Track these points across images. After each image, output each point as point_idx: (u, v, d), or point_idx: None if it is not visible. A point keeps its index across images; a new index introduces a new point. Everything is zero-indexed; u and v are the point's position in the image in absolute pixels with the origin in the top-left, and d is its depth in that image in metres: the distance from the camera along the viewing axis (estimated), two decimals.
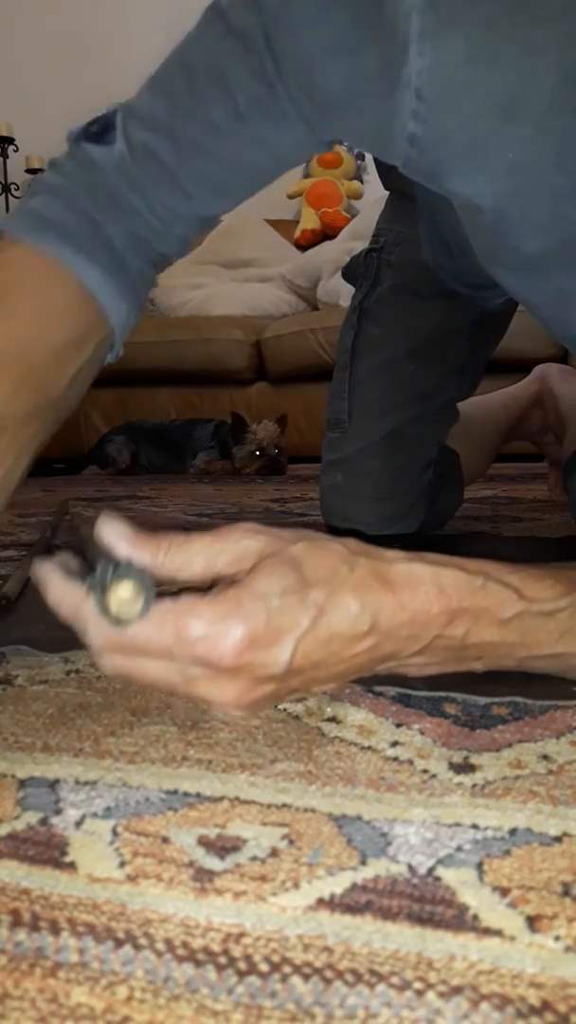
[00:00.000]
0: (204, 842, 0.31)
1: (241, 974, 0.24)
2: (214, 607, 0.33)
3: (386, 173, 0.95)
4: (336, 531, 0.96)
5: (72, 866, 0.29)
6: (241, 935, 0.26)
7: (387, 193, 1.00)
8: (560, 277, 0.51)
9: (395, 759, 0.38)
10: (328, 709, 0.43)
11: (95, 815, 0.33)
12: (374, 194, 3.12)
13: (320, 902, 0.27)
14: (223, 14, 0.51)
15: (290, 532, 0.37)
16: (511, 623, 0.38)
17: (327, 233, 3.20)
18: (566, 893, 0.27)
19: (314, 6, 0.46)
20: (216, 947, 0.25)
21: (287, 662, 0.34)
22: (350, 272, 1.01)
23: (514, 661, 0.40)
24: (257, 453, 2.33)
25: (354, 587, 0.35)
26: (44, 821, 0.32)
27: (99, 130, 0.55)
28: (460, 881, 0.28)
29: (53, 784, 0.35)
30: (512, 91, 0.43)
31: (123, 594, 0.33)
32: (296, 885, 0.28)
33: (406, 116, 0.45)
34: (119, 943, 0.25)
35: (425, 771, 0.36)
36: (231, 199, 0.58)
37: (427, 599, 0.37)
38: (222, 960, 0.25)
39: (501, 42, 0.42)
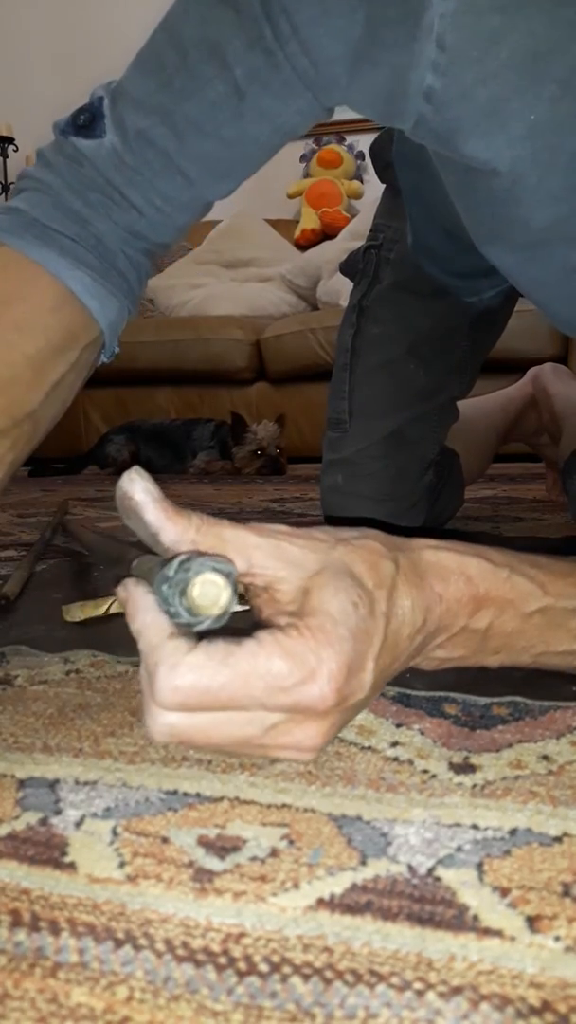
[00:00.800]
0: (204, 842, 0.31)
1: (241, 974, 0.24)
2: (304, 642, 0.29)
3: (383, 168, 0.94)
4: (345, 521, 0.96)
5: (72, 866, 0.29)
6: (241, 935, 0.26)
7: None
8: (566, 250, 0.49)
9: (395, 759, 0.38)
10: None
11: (95, 815, 0.33)
12: (374, 194, 3.11)
13: (320, 902, 0.27)
14: None
15: (319, 531, 0.35)
16: (533, 617, 0.38)
17: (327, 233, 3.20)
18: (566, 893, 0.27)
19: None
20: (216, 947, 0.25)
21: (371, 683, 0.32)
22: (348, 267, 1.00)
23: (530, 657, 0.40)
24: (258, 453, 2.32)
25: (404, 585, 0.34)
26: (44, 821, 0.32)
27: (87, 122, 0.52)
28: (460, 881, 0.28)
29: (53, 784, 0.35)
30: (540, 45, 0.41)
31: (205, 591, 0.28)
32: (296, 885, 0.28)
33: (424, 68, 0.43)
34: (119, 943, 0.25)
35: (425, 771, 0.36)
36: (234, 180, 0.55)
37: (457, 588, 0.36)
38: (222, 960, 0.25)
39: None
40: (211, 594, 0.28)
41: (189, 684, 0.28)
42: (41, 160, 0.55)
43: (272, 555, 0.32)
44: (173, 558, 0.29)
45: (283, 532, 0.33)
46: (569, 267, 0.50)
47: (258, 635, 0.29)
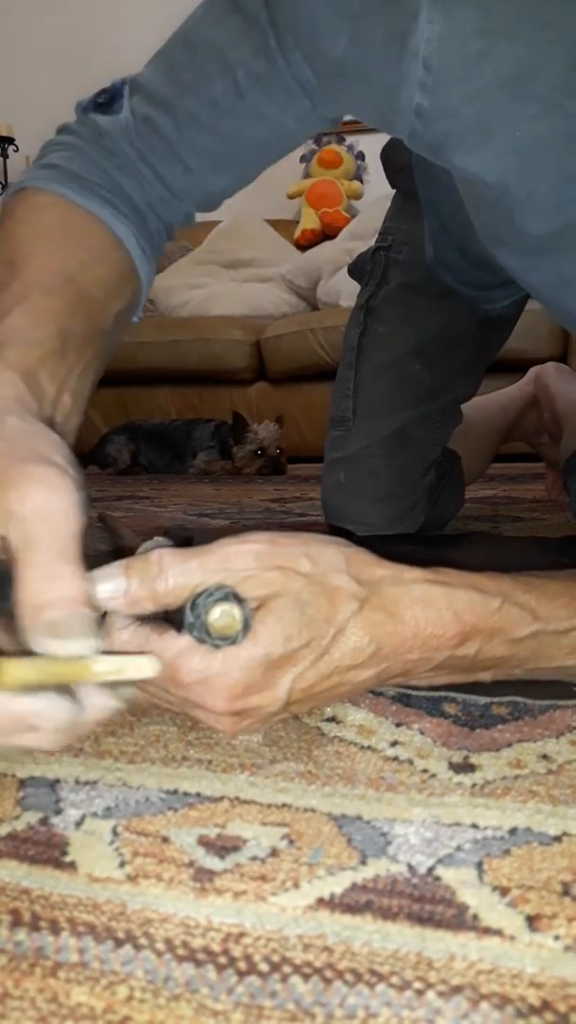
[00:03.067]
0: (204, 842, 0.31)
1: (241, 974, 0.24)
2: (224, 654, 0.33)
3: (394, 173, 0.95)
4: (344, 533, 0.96)
5: (72, 866, 0.30)
6: (241, 935, 0.26)
7: (388, 194, 1.01)
8: (562, 262, 0.50)
9: (395, 759, 0.38)
10: (328, 709, 0.43)
11: (95, 815, 0.33)
12: (374, 194, 3.12)
13: (320, 902, 0.27)
14: None
15: (300, 552, 0.36)
16: (524, 641, 0.39)
17: (327, 233, 3.20)
18: (566, 892, 0.28)
19: None
20: (216, 947, 0.25)
21: (284, 699, 0.35)
22: (356, 269, 1.01)
23: (523, 671, 0.41)
24: (258, 453, 2.32)
25: (360, 624, 0.36)
26: (44, 821, 0.32)
27: (107, 100, 0.56)
28: (460, 881, 0.28)
29: (53, 784, 0.35)
30: (522, 66, 0.42)
31: (222, 620, 0.33)
32: (296, 885, 0.28)
33: (413, 87, 0.45)
34: (119, 943, 0.26)
35: (425, 771, 0.36)
36: (232, 175, 0.58)
37: (440, 623, 0.37)
38: (222, 960, 0.25)
39: (514, 15, 0.41)
40: (226, 619, 0.33)
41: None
42: (64, 132, 0.58)
43: (236, 581, 0.35)
44: (183, 605, 0.34)
45: (262, 554, 0.35)
46: (564, 278, 0.51)
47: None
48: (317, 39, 0.47)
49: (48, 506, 0.31)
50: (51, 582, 0.30)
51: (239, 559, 0.35)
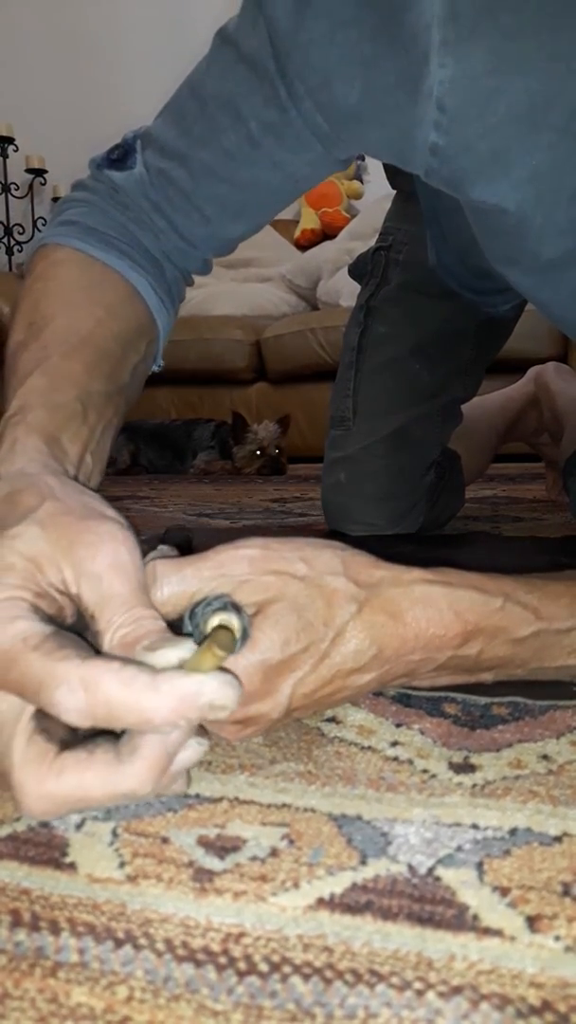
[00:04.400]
0: (204, 842, 0.31)
1: (241, 974, 0.24)
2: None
3: (393, 174, 0.95)
4: (340, 536, 0.96)
5: (72, 866, 0.29)
6: (241, 935, 0.26)
7: (388, 194, 1.01)
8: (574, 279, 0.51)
9: (395, 759, 0.38)
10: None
11: (95, 817, 0.33)
12: (374, 194, 3.12)
13: (320, 902, 0.27)
14: (232, 41, 0.51)
15: (295, 556, 0.36)
16: (526, 641, 0.39)
17: (327, 233, 3.20)
18: (566, 893, 0.27)
19: (330, 21, 0.45)
20: (216, 947, 0.25)
21: (285, 705, 0.35)
22: (357, 269, 1.01)
23: (525, 671, 0.41)
24: (258, 453, 2.32)
25: (360, 626, 0.35)
26: (44, 822, 0.32)
27: (120, 156, 0.57)
28: (460, 881, 0.28)
29: None
30: (535, 99, 0.43)
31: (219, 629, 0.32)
32: (296, 885, 0.28)
33: (428, 127, 0.45)
34: (119, 943, 0.26)
35: (425, 771, 0.36)
36: (250, 221, 0.59)
37: (442, 624, 0.37)
38: (222, 960, 0.25)
39: (524, 51, 0.42)
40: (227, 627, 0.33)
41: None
42: (79, 188, 0.59)
43: (233, 588, 0.35)
44: (182, 615, 0.34)
45: (257, 559, 0.35)
46: None
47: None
48: (329, 88, 0.47)
49: (119, 561, 0.32)
50: (137, 625, 0.31)
51: (234, 565, 0.35)
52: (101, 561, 0.32)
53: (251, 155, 0.53)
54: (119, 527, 0.33)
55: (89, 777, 0.29)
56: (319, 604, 0.35)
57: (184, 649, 0.30)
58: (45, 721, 0.30)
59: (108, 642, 0.31)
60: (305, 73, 0.48)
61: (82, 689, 0.28)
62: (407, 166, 0.50)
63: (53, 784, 0.29)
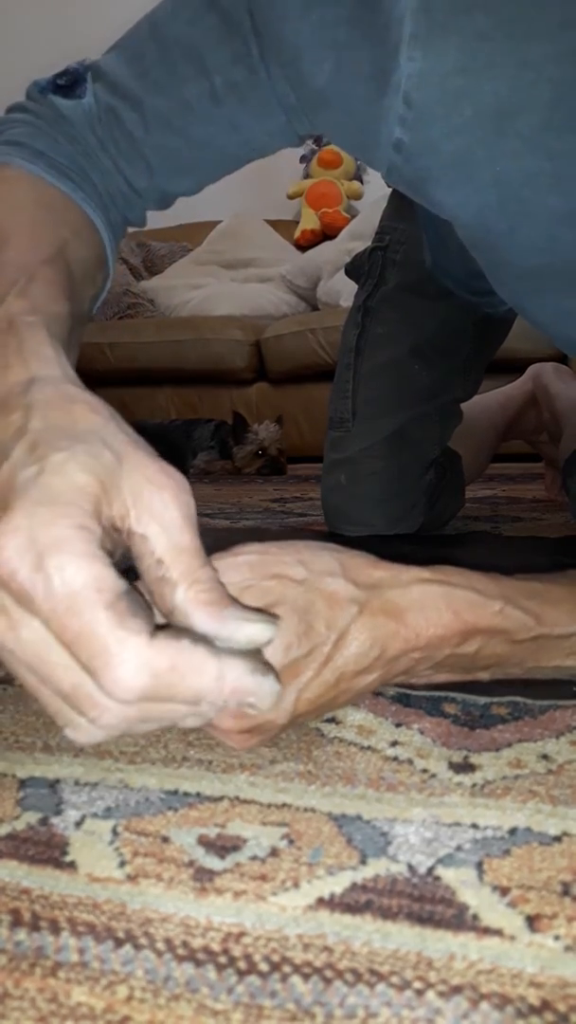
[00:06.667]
0: (204, 842, 0.31)
1: (241, 974, 0.24)
2: None
3: None
4: (343, 538, 0.96)
5: (72, 866, 0.30)
6: (241, 935, 0.26)
7: (387, 194, 1.00)
8: (557, 295, 0.50)
9: (395, 759, 0.38)
10: None
11: (95, 815, 0.33)
12: (374, 194, 3.12)
13: (320, 901, 0.27)
14: None
15: (293, 559, 0.36)
16: (524, 643, 0.39)
17: (327, 233, 3.20)
18: (565, 892, 0.28)
19: None
20: (216, 947, 0.25)
21: (290, 711, 0.35)
22: (353, 269, 1.01)
23: (521, 670, 0.41)
24: (259, 453, 2.32)
25: (362, 627, 0.35)
26: (44, 821, 0.32)
27: (68, 83, 0.52)
28: (460, 880, 0.28)
29: (53, 784, 0.35)
30: (503, 104, 0.42)
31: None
32: (296, 885, 0.28)
33: (393, 122, 0.44)
34: (119, 943, 0.26)
35: (425, 771, 0.36)
36: (194, 179, 0.56)
37: (440, 623, 0.37)
38: (222, 960, 0.25)
39: (495, 53, 0.41)
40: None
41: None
42: (19, 111, 0.54)
43: (237, 591, 0.34)
44: None
45: (256, 564, 0.35)
46: (560, 310, 0.51)
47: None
48: (300, 63, 0.46)
49: (191, 513, 0.30)
50: (213, 587, 0.30)
51: (234, 572, 0.35)
52: (176, 510, 0.29)
53: (210, 112, 0.50)
54: (177, 471, 0.31)
55: (186, 659, 0.27)
56: (320, 606, 0.35)
57: (261, 629, 0.30)
58: (134, 605, 0.28)
59: (182, 595, 0.29)
60: (278, 43, 0.46)
61: (148, 675, 0.27)
62: (369, 160, 0.49)
63: (155, 655, 0.27)
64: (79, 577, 0.26)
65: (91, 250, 0.50)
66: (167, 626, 0.29)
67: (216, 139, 0.52)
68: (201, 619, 0.29)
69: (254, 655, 0.30)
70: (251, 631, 0.29)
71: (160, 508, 0.29)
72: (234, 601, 0.30)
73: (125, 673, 0.26)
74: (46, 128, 0.52)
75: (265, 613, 0.32)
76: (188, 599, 0.29)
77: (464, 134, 0.43)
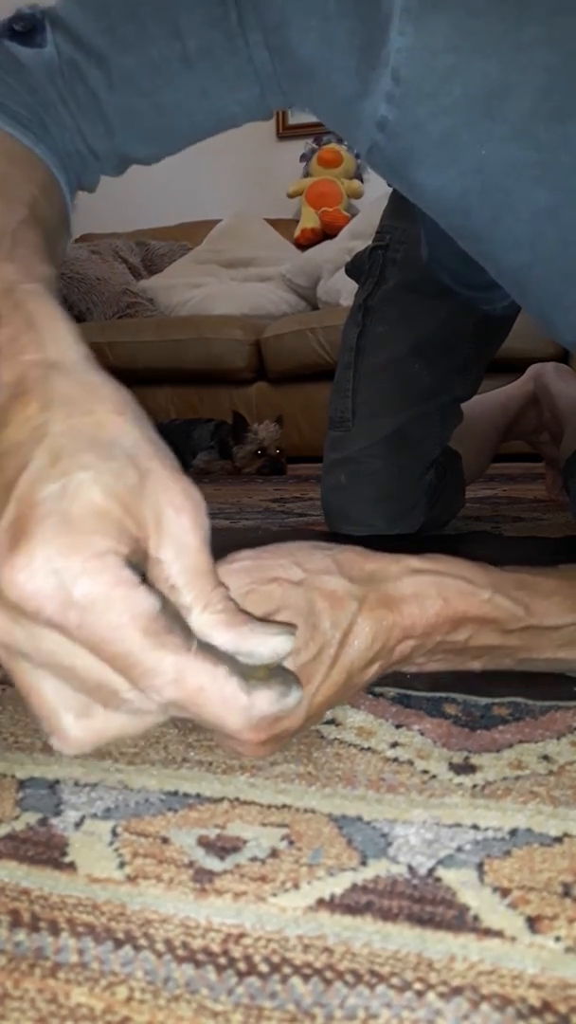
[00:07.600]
0: (204, 843, 0.31)
1: (241, 975, 0.24)
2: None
3: None
4: (337, 537, 0.96)
5: (72, 866, 0.29)
6: (241, 935, 0.26)
7: (387, 192, 1.00)
8: (541, 289, 0.50)
9: (395, 760, 0.38)
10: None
11: (95, 816, 0.33)
12: (374, 193, 3.12)
13: (320, 903, 0.27)
14: None
15: (288, 562, 0.36)
16: (514, 633, 0.39)
17: (327, 232, 3.20)
18: (566, 894, 0.27)
19: None
20: (216, 948, 0.25)
21: (303, 716, 0.35)
22: (354, 268, 1.01)
23: (513, 661, 0.41)
24: (259, 453, 2.32)
25: (364, 622, 0.36)
26: (44, 822, 0.32)
27: (25, 30, 0.48)
28: (460, 882, 0.28)
29: (53, 785, 0.35)
30: (493, 85, 0.41)
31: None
32: (296, 886, 0.28)
33: (379, 98, 0.43)
34: (119, 943, 0.25)
35: (425, 772, 0.36)
36: (156, 145, 0.52)
37: (433, 611, 0.37)
38: (222, 961, 0.25)
39: (487, 33, 0.40)
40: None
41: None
42: None
43: (238, 598, 0.34)
44: None
45: (253, 569, 0.35)
46: (546, 302, 0.51)
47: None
48: (285, 31, 0.44)
49: (206, 535, 0.30)
50: (228, 608, 0.30)
51: (232, 578, 0.34)
52: (193, 535, 0.29)
53: (180, 76, 0.47)
54: (196, 488, 0.30)
55: (219, 687, 0.28)
56: (322, 606, 0.35)
57: (282, 641, 0.30)
58: (170, 622, 0.28)
59: (197, 617, 0.29)
60: (263, 7, 0.44)
61: (183, 690, 0.27)
62: (351, 139, 0.47)
63: (191, 667, 0.27)
64: (111, 608, 0.27)
65: (56, 210, 0.46)
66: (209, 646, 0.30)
67: (184, 105, 0.49)
68: (222, 638, 0.29)
69: (278, 672, 0.30)
70: (274, 644, 0.30)
71: (179, 533, 0.29)
72: (249, 616, 0.30)
73: (165, 685, 0.27)
74: (4, 76, 0.47)
75: (278, 623, 0.32)
76: (204, 621, 0.29)
77: (451, 114, 0.42)
